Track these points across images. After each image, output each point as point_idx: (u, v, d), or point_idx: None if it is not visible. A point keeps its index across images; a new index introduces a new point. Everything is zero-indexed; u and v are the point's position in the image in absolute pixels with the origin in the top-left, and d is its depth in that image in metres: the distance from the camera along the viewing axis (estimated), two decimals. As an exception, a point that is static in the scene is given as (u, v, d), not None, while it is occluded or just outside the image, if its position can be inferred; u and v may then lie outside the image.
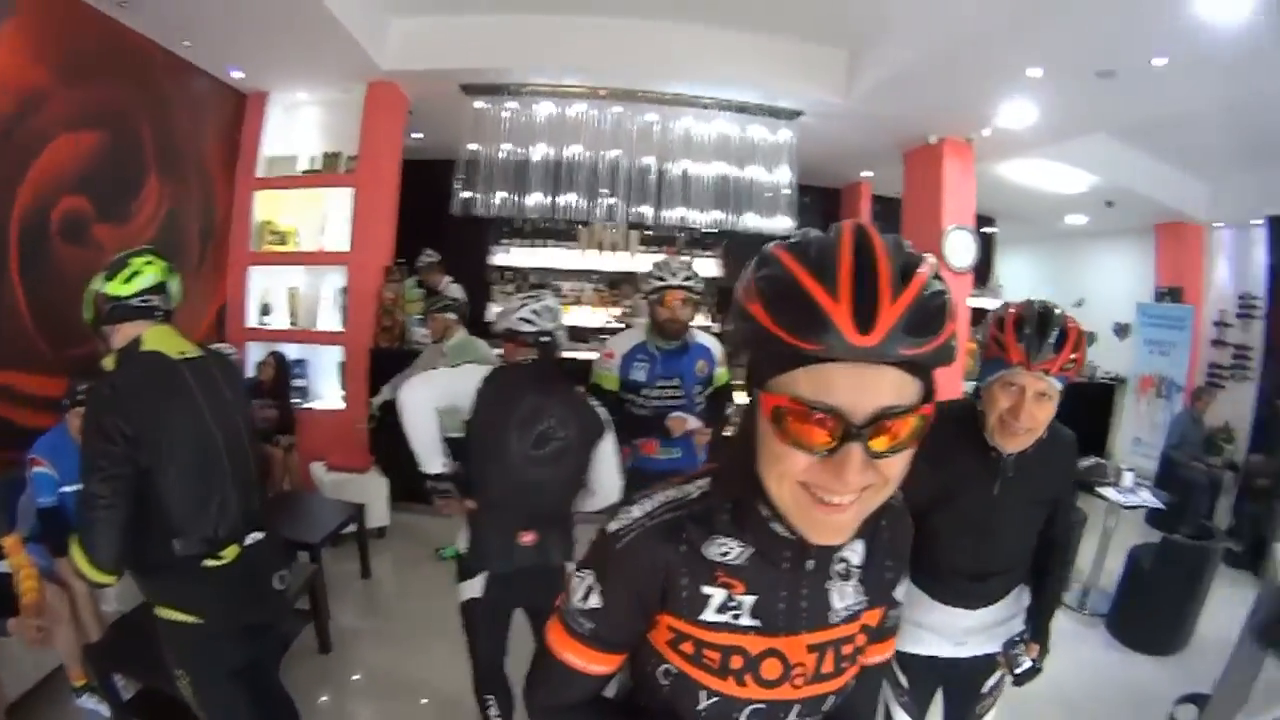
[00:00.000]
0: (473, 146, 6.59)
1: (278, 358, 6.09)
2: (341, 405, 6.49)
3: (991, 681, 2.31)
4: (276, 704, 2.66)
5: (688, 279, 3.41)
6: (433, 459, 2.72)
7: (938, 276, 0.86)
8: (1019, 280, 11.69)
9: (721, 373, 3.76)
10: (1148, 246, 10.00)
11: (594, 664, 1.09)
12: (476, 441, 2.65)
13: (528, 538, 2.66)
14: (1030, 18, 4.39)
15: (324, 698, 3.63)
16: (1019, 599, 2.28)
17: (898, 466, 0.87)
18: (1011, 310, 1.93)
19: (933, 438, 2.02)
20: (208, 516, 2.26)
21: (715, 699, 1.05)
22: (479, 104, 6.39)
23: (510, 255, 9.46)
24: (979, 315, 9.72)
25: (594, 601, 1.05)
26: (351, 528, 4.82)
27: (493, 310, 3.27)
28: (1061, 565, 2.30)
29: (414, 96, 6.42)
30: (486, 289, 9.09)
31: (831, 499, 0.86)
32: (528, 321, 2.81)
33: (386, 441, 5.32)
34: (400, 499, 5.73)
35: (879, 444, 0.83)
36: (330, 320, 6.66)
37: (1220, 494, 7.50)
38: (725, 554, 1.02)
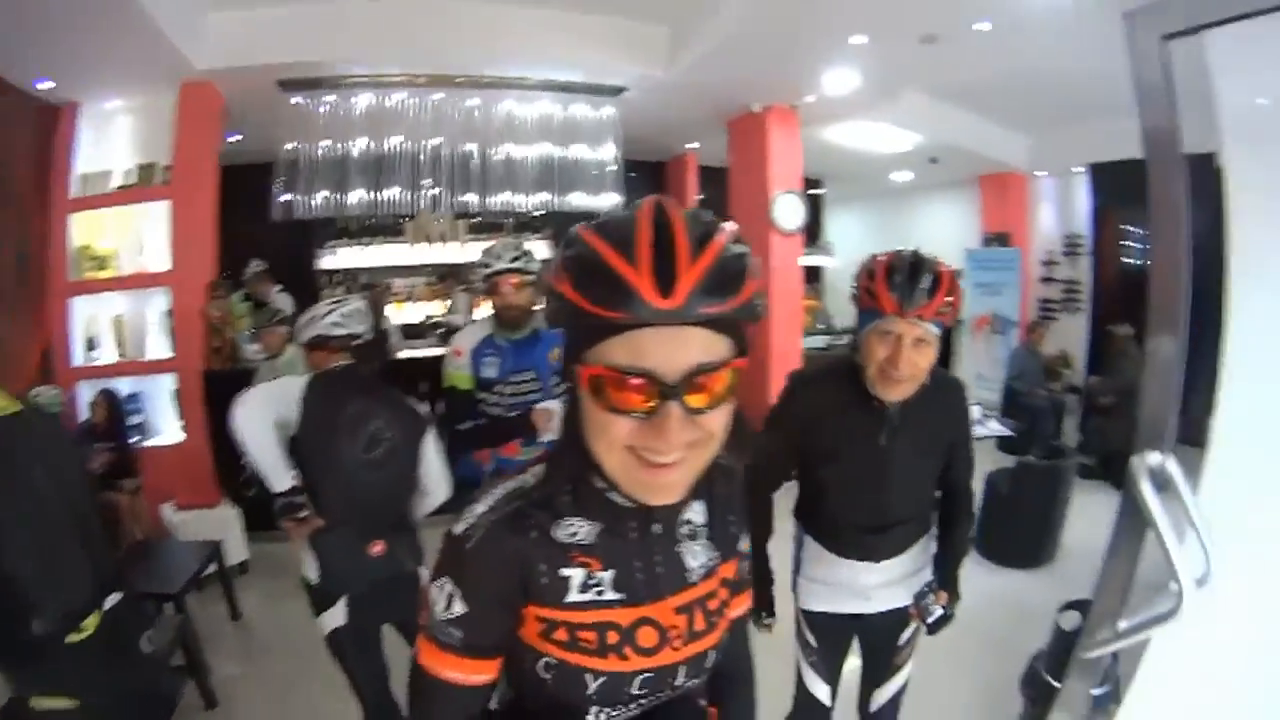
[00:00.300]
0: (291, 145, 6.21)
1: (108, 396, 5.53)
2: (182, 437, 5.95)
3: (906, 634, 2.27)
4: None
5: (516, 259, 3.11)
6: (281, 476, 2.58)
7: (739, 241, 0.90)
8: (849, 238, 12.10)
9: None
10: (973, 197, 10.66)
11: (474, 674, 1.04)
12: (309, 451, 2.61)
13: (377, 548, 2.60)
14: None
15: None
16: (925, 550, 2.27)
17: (718, 421, 0.92)
18: (881, 260, 1.90)
19: (813, 394, 2.02)
20: (60, 587, 2.07)
21: (603, 679, 1.05)
22: (296, 99, 6.03)
23: (338, 257, 9.06)
24: (812, 274, 10.13)
25: (458, 609, 1.00)
26: (212, 568, 4.51)
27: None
28: (966, 512, 2.27)
29: (230, 96, 5.92)
30: (316, 295, 8.29)
31: (658, 459, 0.90)
32: (338, 325, 2.79)
33: (233, 470, 4.98)
34: (255, 528, 5.37)
35: (696, 400, 0.88)
36: (159, 347, 6.10)
37: (1065, 416, 8.15)
38: (574, 534, 1.03)
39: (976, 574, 4.55)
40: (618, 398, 0.87)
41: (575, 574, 1.03)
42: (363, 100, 6.16)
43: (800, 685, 2.34)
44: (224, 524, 5.27)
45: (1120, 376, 7.28)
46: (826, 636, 2.29)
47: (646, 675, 1.07)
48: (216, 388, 5.55)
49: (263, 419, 2.57)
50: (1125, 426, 6.78)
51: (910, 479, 2.10)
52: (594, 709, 1.08)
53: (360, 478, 2.62)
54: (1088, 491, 5.68)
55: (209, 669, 3.76)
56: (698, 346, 0.86)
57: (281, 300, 6.21)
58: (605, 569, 1.04)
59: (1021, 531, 4.96)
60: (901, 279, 1.81)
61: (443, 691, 1.04)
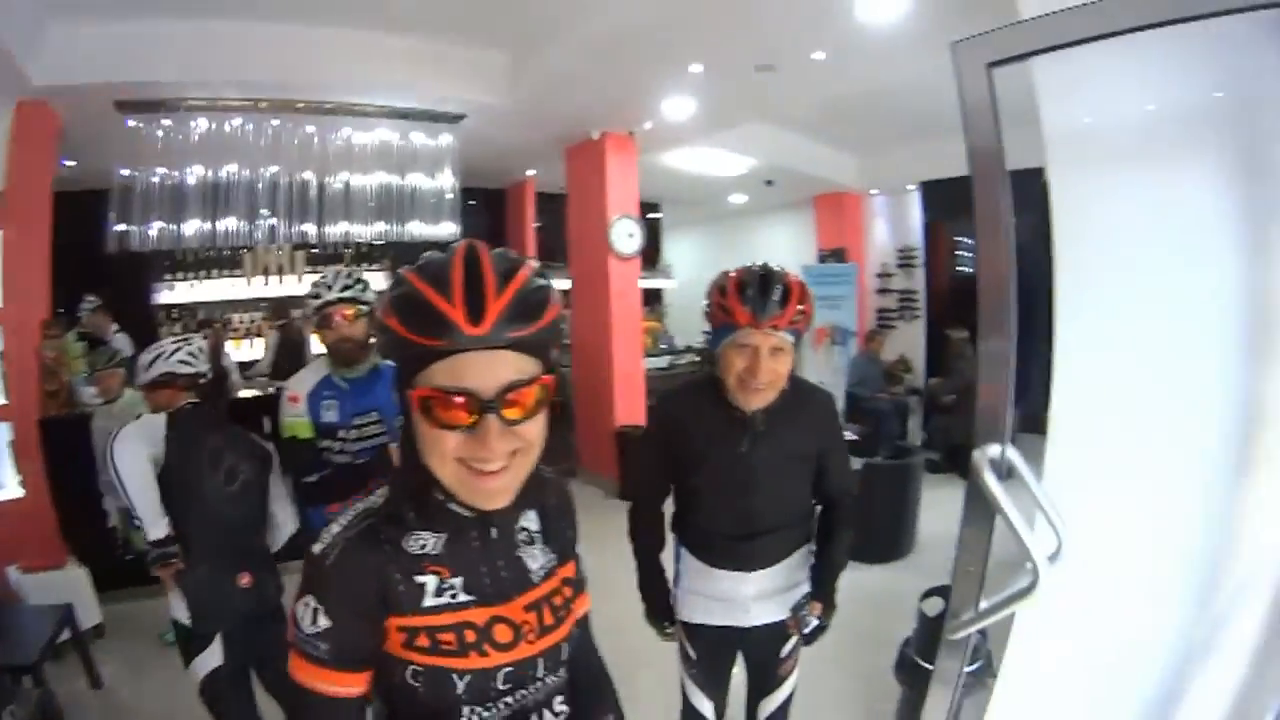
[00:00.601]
0: (126, 172, 5.86)
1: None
2: (20, 493, 5.38)
3: (788, 647, 2.28)
4: None
5: (348, 289, 2.87)
6: (159, 519, 2.58)
7: (540, 275, 1.07)
8: (687, 260, 12.42)
9: None
10: (809, 217, 11.10)
11: (343, 686, 1.08)
12: (176, 488, 2.61)
13: (245, 580, 2.62)
14: (692, 18, 4.54)
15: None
16: (804, 562, 2.29)
17: (534, 431, 1.05)
18: (732, 275, 1.97)
19: (677, 407, 2.10)
20: None
21: (469, 677, 1.12)
22: (133, 123, 5.64)
23: (175, 292, 8.53)
24: (652, 296, 10.33)
25: (322, 623, 1.05)
26: (66, 633, 4.16)
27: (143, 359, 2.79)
28: (845, 524, 2.29)
29: (66, 117, 5.47)
30: (154, 332, 7.98)
31: (485, 467, 1.02)
32: (186, 364, 2.84)
33: (79, 525, 4.75)
34: (106, 588, 4.98)
35: (511, 413, 1.01)
36: None
37: (909, 416, 8.62)
38: (424, 545, 1.12)
39: (843, 574, 4.76)
40: (444, 415, 1.00)
41: (429, 580, 1.11)
42: (200, 125, 5.84)
43: (684, 699, 2.36)
44: (74, 585, 4.82)
45: (959, 376, 7.78)
46: (707, 649, 2.30)
47: (508, 669, 1.16)
48: (54, 436, 5.16)
49: (142, 454, 2.58)
50: (966, 422, 7.25)
51: (775, 486, 2.12)
52: (465, 709, 1.14)
53: (223, 511, 2.66)
54: (937, 485, 6.04)
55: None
56: (509, 366, 1.01)
57: (119, 340, 5.86)
58: (455, 575, 1.13)
59: (877, 529, 5.13)
60: (754, 292, 1.89)
61: (314, 704, 1.08)
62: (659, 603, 2.34)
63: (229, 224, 6.28)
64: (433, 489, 1.10)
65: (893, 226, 10.59)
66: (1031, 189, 1.66)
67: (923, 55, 4.26)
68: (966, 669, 1.75)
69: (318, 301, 2.87)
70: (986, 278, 1.53)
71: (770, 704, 2.33)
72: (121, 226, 5.95)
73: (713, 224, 13.12)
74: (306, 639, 1.06)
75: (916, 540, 5.42)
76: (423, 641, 1.10)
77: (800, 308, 1.92)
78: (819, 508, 2.31)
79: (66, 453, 4.79)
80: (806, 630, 2.18)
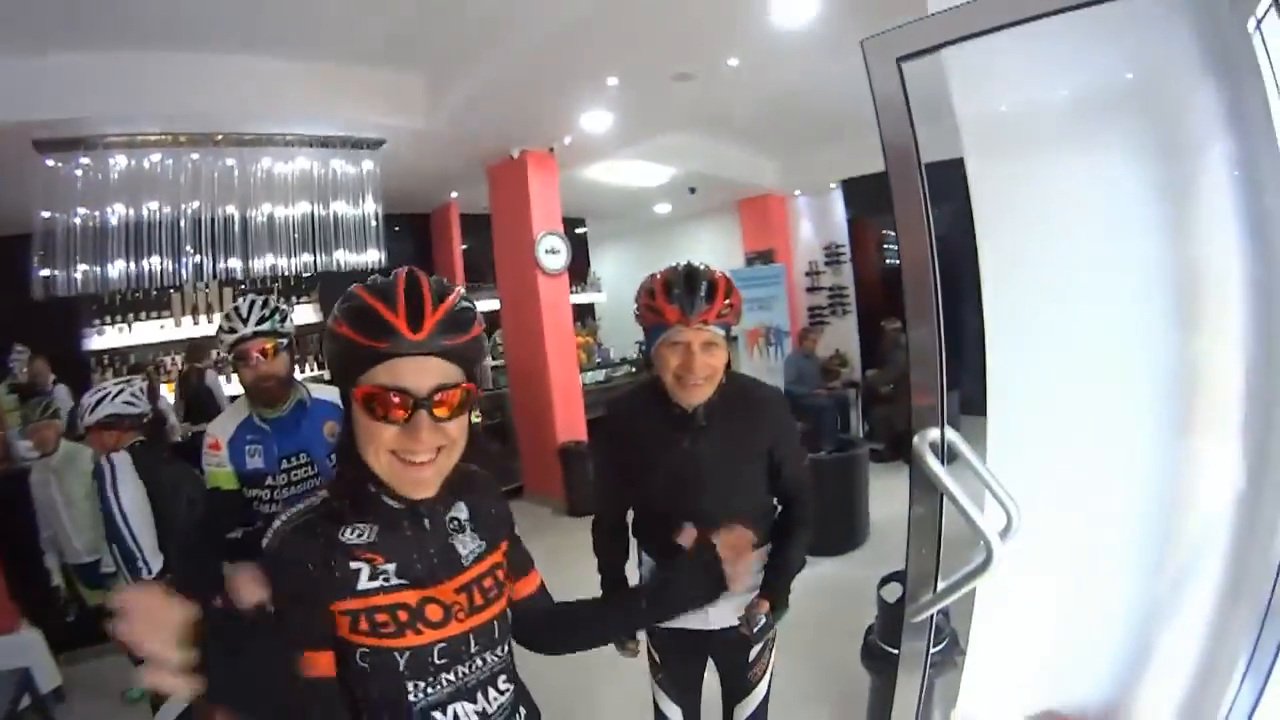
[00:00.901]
0: (47, 214, 5.61)
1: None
2: None
3: (754, 652, 2.27)
4: None
5: (264, 320, 2.60)
6: (158, 553, 2.74)
7: (467, 299, 1.25)
8: (616, 272, 12.38)
9: None
10: (734, 221, 11.21)
11: (310, 669, 1.17)
12: (161, 521, 2.78)
13: (219, 602, 2.46)
14: (606, 30, 4.58)
15: None
16: (763, 567, 2.23)
17: (457, 429, 1.21)
18: (658, 276, 1.99)
19: (622, 412, 2.16)
20: None
21: (408, 654, 1.24)
22: (51, 162, 5.42)
23: (105, 337, 8.19)
24: (582, 311, 10.32)
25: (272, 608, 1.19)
26: (26, 699, 3.93)
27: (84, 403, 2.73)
28: (800, 522, 2.25)
29: None
30: (87, 379, 7.66)
31: (414, 459, 1.18)
32: (130, 404, 2.91)
33: (25, 586, 4.54)
34: (63, 649, 4.78)
35: (440, 411, 1.17)
36: None
37: (849, 410, 8.69)
38: (359, 535, 1.24)
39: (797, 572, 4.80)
40: (383, 410, 1.15)
41: (363, 567, 1.22)
42: (119, 162, 5.65)
43: (655, 707, 2.36)
44: (29, 648, 4.60)
45: (895, 366, 7.91)
46: (672, 654, 2.32)
47: (442, 645, 1.27)
48: (-7, 494, 4.95)
49: (142, 493, 2.72)
50: (906, 410, 7.38)
51: (724, 483, 2.10)
52: (410, 684, 1.25)
53: (189, 540, 2.68)
54: (884, 474, 6.16)
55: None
56: (439, 372, 1.18)
57: (60, 391, 5.71)
58: (388, 562, 1.25)
59: (829, 522, 5.15)
60: (680, 290, 1.91)
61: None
62: None
63: (154, 264, 6.08)
64: (367, 483, 1.24)
65: (817, 225, 10.80)
66: (955, 179, 1.71)
67: (836, 56, 4.35)
68: (933, 650, 1.78)
69: (231, 337, 2.58)
70: (909, 268, 1.56)
71: (745, 709, 2.31)
72: (46, 271, 5.74)
73: (639, 235, 13.17)
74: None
75: (869, 529, 5.49)
76: (364, 624, 1.21)
77: (728, 301, 1.94)
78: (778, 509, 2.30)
79: (5, 510, 4.59)
80: (756, 629, 2.11)
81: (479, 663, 1.33)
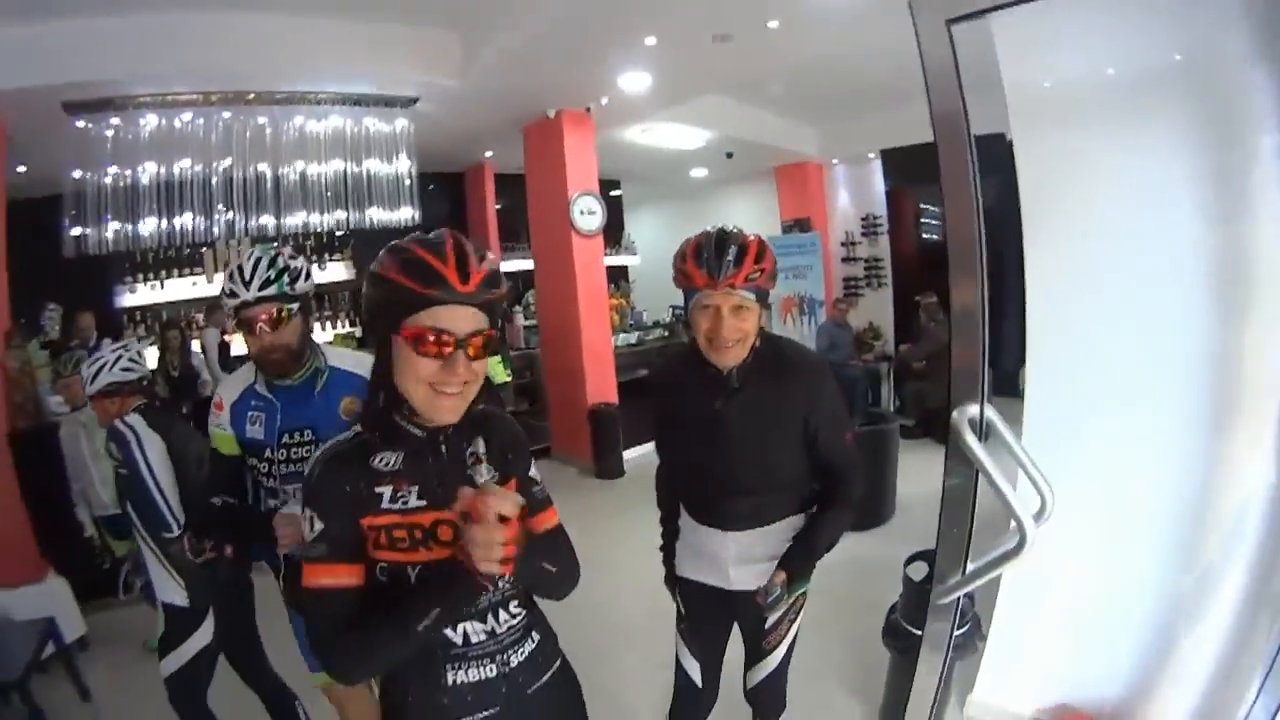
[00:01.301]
0: (78, 174, 5.73)
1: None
2: None
3: (773, 618, 2.27)
4: None
5: (268, 283, 2.25)
6: (179, 510, 2.70)
7: (496, 265, 1.39)
8: (651, 236, 12.26)
9: None
10: (770, 188, 11.06)
11: (341, 577, 1.36)
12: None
13: (229, 550, 2.71)
14: None
15: None
16: (789, 538, 2.23)
17: (482, 367, 1.38)
18: (691, 240, 2.01)
19: (664, 374, 2.23)
20: None
21: (419, 568, 1.39)
22: (82, 123, 5.50)
23: (137, 295, 8.27)
24: (616, 274, 10.27)
25: (318, 526, 1.36)
26: (51, 647, 4.09)
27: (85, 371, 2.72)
28: (839, 500, 2.20)
29: (13, 122, 5.35)
30: (120, 337, 7.59)
31: (447, 389, 1.35)
32: (129, 370, 2.90)
33: (55, 537, 4.68)
34: (88, 598, 4.87)
35: (472, 352, 1.34)
36: None
37: (881, 383, 8.59)
38: (385, 463, 1.41)
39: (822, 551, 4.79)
40: (428, 347, 1.31)
41: (386, 490, 1.39)
42: (150, 122, 5.71)
43: (676, 661, 2.40)
44: (55, 598, 4.72)
45: (929, 341, 7.80)
46: (695, 607, 2.35)
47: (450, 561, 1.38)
48: (28, 450, 5.08)
49: (164, 451, 2.69)
50: (939, 387, 7.31)
51: (754, 446, 2.11)
52: None
53: (202, 495, 2.64)
54: (913, 451, 6.06)
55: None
56: (475, 319, 1.35)
57: (104, 347, 5.77)
58: (410, 485, 1.41)
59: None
60: (709, 254, 1.93)
61: (323, 599, 1.37)
62: (670, 566, 2.41)
63: (186, 221, 6.17)
64: (395, 415, 1.42)
65: (855, 195, 10.66)
66: (994, 153, 1.65)
67: (879, 21, 4.25)
68: (956, 632, 1.75)
69: (233, 302, 2.26)
70: (955, 240, 1.53)
71: (758, 673, 2.33)
72: (77, 230, 5.85)
73: (675, 199, 13.07)
74: (309, 547, 1.36)
75: (896, 506, 5.46)
76: (383, 539, 1.39)
77: (758, 265, 1.93)
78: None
79: (38, 464, 4.69)
80: (770, 599, 2.11)
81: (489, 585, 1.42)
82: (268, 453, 2.38)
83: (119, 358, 2.89)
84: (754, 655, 2.34)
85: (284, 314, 2.27)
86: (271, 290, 2.24)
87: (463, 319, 1.33)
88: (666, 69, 6.04)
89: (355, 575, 1.38)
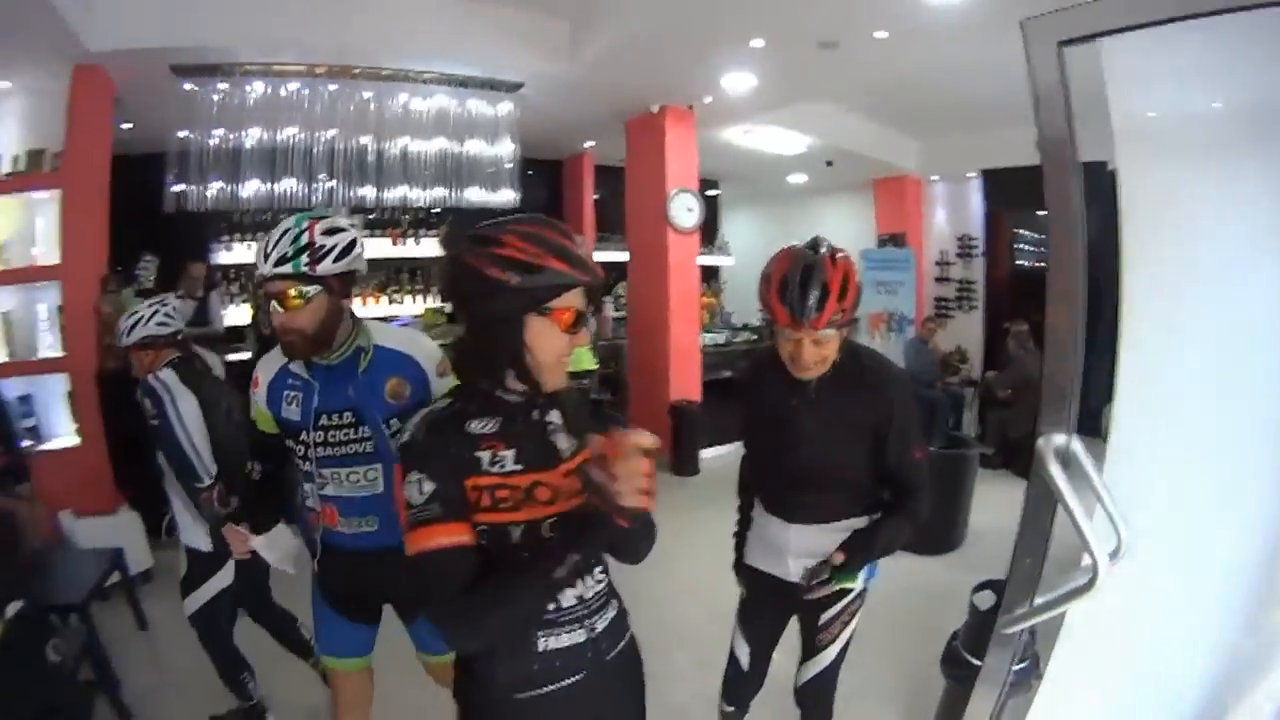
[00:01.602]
0: (183, 134, 5.96)
1: (-8, 397, 5.19)
2: (77, 441, 5.53)
3: (828, 615, 2.33)
4: None
5: (284, 260, 2.02)
6: (210, 464, 2.86)
7: None
8: (745, 238, 12.22)
9: (446, 384, 2.20)
10: (868, 200, 10.90)
11: (455, 536, 1.40)
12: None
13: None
14: None
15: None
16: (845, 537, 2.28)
17: (583, 340, 1.53)
18: (776, 270, 2.03)
19: (749, 371, 2.52)
20: None
21: (522, 527, 1.47)
22: (189, 86, 5.74)
23: (233, 253, 8.38)
24: (708, 273, 10.26)
25: (428, 488, 1.40)
26: (115, 576, 4.32)
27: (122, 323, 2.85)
28: (905, 511, 2.26)
29: (121, 81, 5.57)
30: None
31: (566, 360, 1.51)
32: (164, 324, 3.04)
33: (135, 475, 4.83)
34: (158, 535, 5.09)
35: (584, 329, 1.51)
36: (50, 346, 5.63)
37: (964, 408, 8.40)
38: (483, 428, 1.49)
39: (890, 562, 4.71)
40: (570, 326, 1.46)
41: (485, 454, 1.47)
42: (256, 89, 5.92)
43: (731, 642, 2.53)
44: (125, 530, 5.03)
45: (1017, 370, 7.59)
46: (754, 593, 2.47)
47: (552, 520, 1.50)
48: (111, 389, 5.30)
49: (197, 405, 2.83)
50: (1023, 418, 7.22)
51: (821, 445, 2.19)
52: (521, 558, 1.47)
53: (228, 447, 2.86)
54: (989, 481, 5.92)
55: (119, 681, 3.59)
56: (584, 299, 1.50)
57: (212, 299, 6.30)
58: (507, 449, 1.48)
59: (929, 519, 5.04)
60: (793, 294, 1.96)
61: (438, 561, 1.39)
62: (740, 553, 2.52)
63: (287, 186, 6.37)
64: (495, 387, 1.50)
65: (952, 214, 10.42)
66: (1098, 182, 1.60)
67: (990, 37, 4.15)
68: (1015, 667, 1.72)
69: (257, 275, 2.09)
70: (1057, 266, 1.49)
71: (809, 670, 2.39)
72: (179, 187, 6.09)
73: (771, 203, 12.93)
74: (419, 509, 1.40)
75: (967, 534, 5.34)
76: (486, 500, 1.45)
77: (840, 305, 1.97)
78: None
79: (122, 404, 4.88)
80: (814, 580, 2.19)
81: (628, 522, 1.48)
82: (303, 435, 2.20)
83: (155, 313, 3.04)
84: (808, 650, 2.42)
85: (297, 296, 2.03)
86: (286, 269, 2.02)
87: (583, 300, 1.49)
88: (771, 72, 6.02)
89: (470, 534, 1.42)
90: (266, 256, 2.01)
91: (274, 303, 2.03)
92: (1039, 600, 1.54)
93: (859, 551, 2.19)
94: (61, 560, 4.44)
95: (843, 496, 2.28)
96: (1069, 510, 1.40)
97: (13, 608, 2.26)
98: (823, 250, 2.03)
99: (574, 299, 1.47)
